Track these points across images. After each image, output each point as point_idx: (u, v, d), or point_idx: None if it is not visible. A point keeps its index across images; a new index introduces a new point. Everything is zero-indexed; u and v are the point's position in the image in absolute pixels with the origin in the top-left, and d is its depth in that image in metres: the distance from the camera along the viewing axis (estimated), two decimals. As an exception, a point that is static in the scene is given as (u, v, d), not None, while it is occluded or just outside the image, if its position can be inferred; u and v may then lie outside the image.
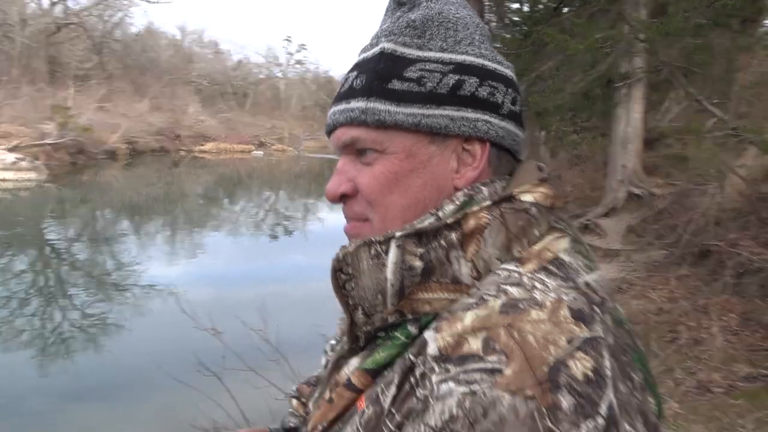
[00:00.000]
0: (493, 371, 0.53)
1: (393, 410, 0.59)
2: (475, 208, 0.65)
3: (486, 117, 0.71)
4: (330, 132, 0.76)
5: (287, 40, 61.01)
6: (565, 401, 0.51)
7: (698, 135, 6.81)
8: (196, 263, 11.31)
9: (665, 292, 6.52)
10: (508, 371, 0.52)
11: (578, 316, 0.57)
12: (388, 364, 0.65)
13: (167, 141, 33.26)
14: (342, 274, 0.67)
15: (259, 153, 39.11)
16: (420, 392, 0.56)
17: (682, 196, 8.47)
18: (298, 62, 59.62)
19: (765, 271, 5.58)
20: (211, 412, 3.55)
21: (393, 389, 0.60)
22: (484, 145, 0.72)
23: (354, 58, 0.78)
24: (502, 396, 0.51)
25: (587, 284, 0.62)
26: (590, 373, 0.53)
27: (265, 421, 3.83)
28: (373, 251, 0.65)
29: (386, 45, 0.72)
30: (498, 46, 10.69)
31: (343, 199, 0.75)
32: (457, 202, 0.70)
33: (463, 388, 0.53)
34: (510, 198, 0.67)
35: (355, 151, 0.73)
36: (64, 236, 13.21)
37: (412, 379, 0.58)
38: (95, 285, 9.44)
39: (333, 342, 1.03)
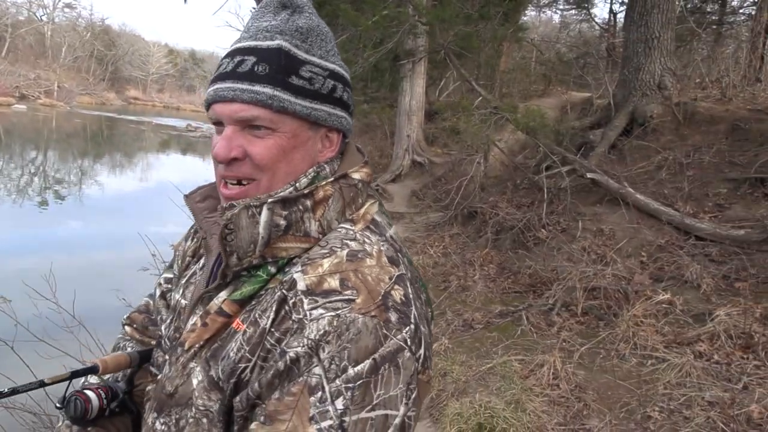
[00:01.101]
0: (349, 301, 0.79)
1: (273, 329, 0.82)
2: (323, 182, 0.91)
3: (345, 115, 0.97)
4: (215, 103, 0.91)
5: (53, -22, 53.35)
6: (393, 316, 0.80)
7: (467, 111, 7.82)
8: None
9: (440, 248, 7.42)
10: (358, 300, 0.80)
11: (392, 261, 0.87)
12: (252, 296, 0.88)
13: None
14: (227, 229, 0.87)
15: (22, 107, 34.01)
16: (295, 316, 0.80)
17: (455, 165, 9.62)
18: (68, 6, 52.67)
19: (515, 228, 6.72)
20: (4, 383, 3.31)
21: (271, 314, 0.83)
22: (339, 134, 0.98)
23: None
24: (357, 317, 0.78)
25: (392, 237, 0.94)
26: (403, 297, 0.84)
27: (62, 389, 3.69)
28: (250, 213, 0.86)
29: (283, 44, 0.89)
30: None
31: (230, 162, 0.90)
32: (309, 177, 0.93)
33: (330, 313, 0.78)
34: (345, 176, 0.94)
35: (246, 125, 0.89)
36: None
37: (286, 307, 0.82)
38: None
39: (167, 275, 1.24)
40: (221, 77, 0.91)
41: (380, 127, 15.21)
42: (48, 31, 49.18)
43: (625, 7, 12.68)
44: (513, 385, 3.88)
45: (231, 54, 0.93)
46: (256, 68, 0.89)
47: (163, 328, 1.09)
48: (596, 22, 19.71)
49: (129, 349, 1.19)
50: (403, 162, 12.25)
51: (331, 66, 0.95)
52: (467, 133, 7.46)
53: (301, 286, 0.83)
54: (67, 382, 1.05)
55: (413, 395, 0.81)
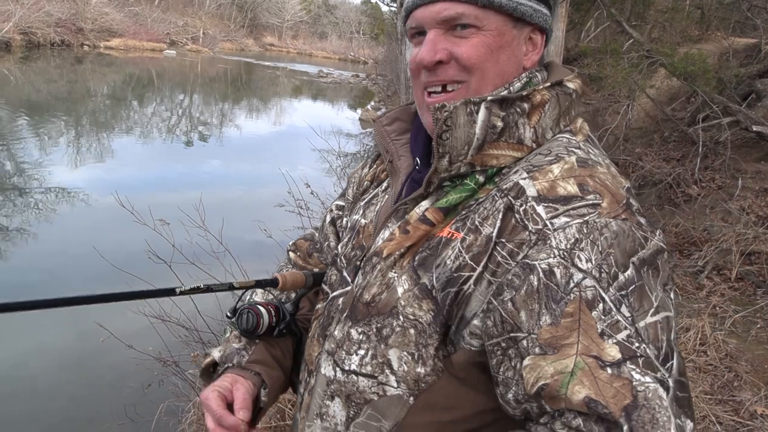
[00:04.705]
0: (594, 205, 0.73)
1: (502, 240, 0.76)
2: (540, 86, 0.84)
3: (548, 12, 0.89)
4: (419, 6, 0.86)
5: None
6: (642, 219, 0.75)
7: (616, 55, 7.22)
8: (105, 168, 10.69)
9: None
10: (604, 204, 0.73)
11: (618, 173, 0.82)
12: (457, 205, 0.83)
13: (69, 34, 30.38)
14: (445, 125, 0.80)
15: (172, 53, 36.60)
16: (532, 227, 0.74)
17: (595, 115, 9.02)
18: (213, -45, 55.09)
19: (662, 182, 6.20)
20: (156, 303, 3.59)
21: (497, 222, 0.77)
22: (543, 35, 0.91)
23: None
24: (609, 221, 0.72)
25: (604, 154, 0.87)
26: (640, 206, 0.78)
27: (212, 317, 3.91)
28: (468, 110, 0.80)
29: None
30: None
31: (435, 65, 0.85)
32: (522, 81, 0.88)
33: (577, 220, 0.72)
34: (561, 83, 0.87)
35: (450, 26, 0.84)
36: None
37: (517, 216, 0.76)
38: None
39: (339, 203, 1.21)
40: None
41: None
42: (195, -20, 52.00)
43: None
44: (654, 347, 3.63)
45: None
46: None
47: (339, 247, 1.05)
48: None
49: (311, 270, 1.18)
50: (536, 111, 11.70)
51: None
52: (613, 79, 6.89)
53: (531, 192, 0.76)
54: (249, 291, 1.08)
55: (672, 295, 0.75)
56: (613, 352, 0.66)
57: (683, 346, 3.73)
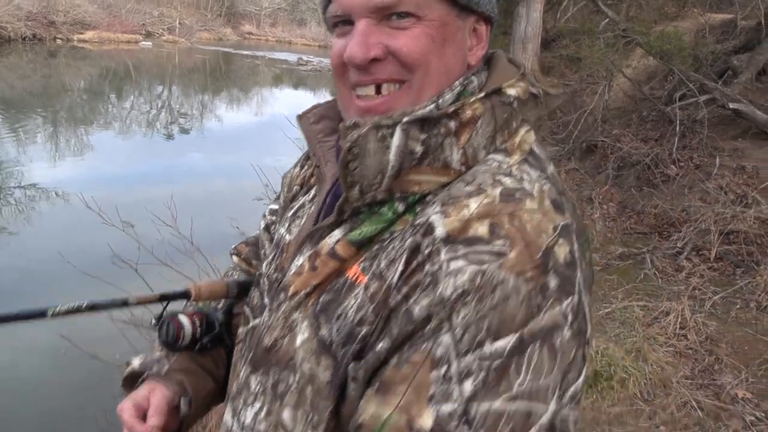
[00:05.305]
0: (499, 254, 0.60)
1: (400, 284, 0.64)
2: (471, 99, 0.70)
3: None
4: None
5: None
6: (552, 281, 0.61)
7: (592, 35, 7.14)
8: (85, 163, 10.51)
9: (556, 185, 7.02)
10: (512, 255, 0.60)
11: (556, 205, 0.66)
12: (372, 238, 0.70)
13: (40, 27, 29.70)
14: (350, 153, 0.68)
15: (148, 44, 35.97)
16: (428, 268, 0.62)
17: (573, 96, 8.97)
18: (186, -58, 54.11)
19: (641, 163, 6.17)
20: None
21: (400, 266, 0.65)
22: (487, 25, 0.78)
23: None
24: (508, 276, 0.59)
25: (552, 174, 0.72)
26: (568, 256, 0.63)
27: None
28: (380, 134, 0.67)
29: None
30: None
31: (369, 64, 0.72)
32: (455, 92, 0.74)
33: (474, 266, 0.60)
34: (498, 91, 0.72)
35: (385, 15, 0.71)
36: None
37: (419, 258, 0.64)
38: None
39: (273, 206, 1.10)
40: None
41: (492, 56, 14.49)
42: (169, -31, 51.09)
43: None
44: (634, 333, 3.60)
45: None
46: None
47: (264, 265, 0.93)
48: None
49: (235, 277, 1.10)
50: (516, 93, 11.64)
51: None
52: (590, 60, 6.82)
53: (440, 231, 0.64)
54: (159, 304, 0.97)
55: (572, 389, 0.61)
56: (427, 421, 0.58)
57: (663, 330, 3.71)
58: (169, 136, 14.50)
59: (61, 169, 9.92)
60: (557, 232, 0.64)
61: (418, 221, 0.67)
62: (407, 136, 0.68)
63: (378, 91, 0.73)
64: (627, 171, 6.41)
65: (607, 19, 7.61)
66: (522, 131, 0.74)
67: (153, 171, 10.39)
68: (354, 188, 0.70)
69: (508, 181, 0.67)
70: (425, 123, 0.68)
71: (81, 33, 32.65)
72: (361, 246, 0.71)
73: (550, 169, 0.73)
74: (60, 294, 4.94)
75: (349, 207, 0.72)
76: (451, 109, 0.69)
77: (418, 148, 0.68)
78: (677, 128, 6.18)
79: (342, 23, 0.74)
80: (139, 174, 9.98)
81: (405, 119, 0.68)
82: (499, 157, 0.70)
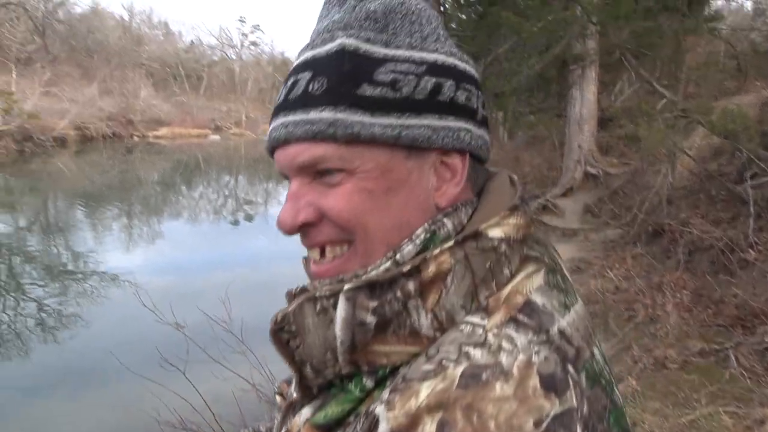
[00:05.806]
0: None
1: None
2: (436, 251, 0.57)
3: (467, 125, 0.63)
4: (276, 148, 0.64)
5: (241, 20, 60.07)
6: None
7: (649, 116, 6.98)
8: (155, 252, 11.09)
9: (622, 271, 6.64)
10: None
11: (549, 385, 0.49)
12: (341, 420, 0.58)
13: (119, 126, 32.25)
14: (284, 333, 0.60)
15: (216, 137, 38.30)
16: None
17: (635, 176, 8.70)
18: (253, 43, 58.40)
19: (714, 248, 5.79)
20: (176, 405, 3.51)
21: None
22: (463, 157, 0.64)
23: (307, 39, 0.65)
24: None
25: (561, 333, 0.55)
26: None
27: (231, 412, 3.82)
28: (318, 307, 0.58)
29: (347, 41, 0.60)
30: (453, 27, 10.71)
31: (302, 228, 0.63)
32: (417, 242, 0.60)
33: None
34: (476, 234, 0.58)
35: (313, 172, 0.62)
36: (14, 226, 12.71)
37: None
38: (50, 276, 9.14)
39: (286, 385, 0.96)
40: (274, 112, 0.64)
41: (548, 138, 14.46)
42: (237, 68, 54.96)
43: None
44: (723, 445, 3.20)
45: (286, 78, 0.65)
46: (310, 87, 0.60)
47: (275, 428, 0.80)
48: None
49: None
50: (574, 174, 11.44)
51: (431, 56, 0.61)
52: (649, 141, 6.63)
53: (383, 429, 0.50)
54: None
55: None
56: None
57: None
58: (235, 223, 15.16)
59: (130, 256, 10.43)
60: (541, 427, 0.47)
61: (371, 408, 0.54)
62: (354, 305, 0.56)
63: (323, 254, 0.64)
64: (699, 256, 6.02)
65: (665, 99, 7.46)
66: (520, 277, 0.59)
67: (217, 257, 10.74)
68: (305, 367, 0.60)
69: (477, 354, 0.51)
70: (374, 288, 0.56)
71: (155, 129, 35.22)
72: (329, 430, 0.59)
73: (562, 323, 0.56)
74: (111, 391, 4.97)
75: (313, 384, 0.61)
76: (406, 267, 0.56)
77: (370, 319, 0.56)
78: (751, 209, 5.81)
79: (286, 177, 0.65)
80: (203, 262, 10.33)
81: (347, 287, 0.57)
82: (475, 318, 0.55)
